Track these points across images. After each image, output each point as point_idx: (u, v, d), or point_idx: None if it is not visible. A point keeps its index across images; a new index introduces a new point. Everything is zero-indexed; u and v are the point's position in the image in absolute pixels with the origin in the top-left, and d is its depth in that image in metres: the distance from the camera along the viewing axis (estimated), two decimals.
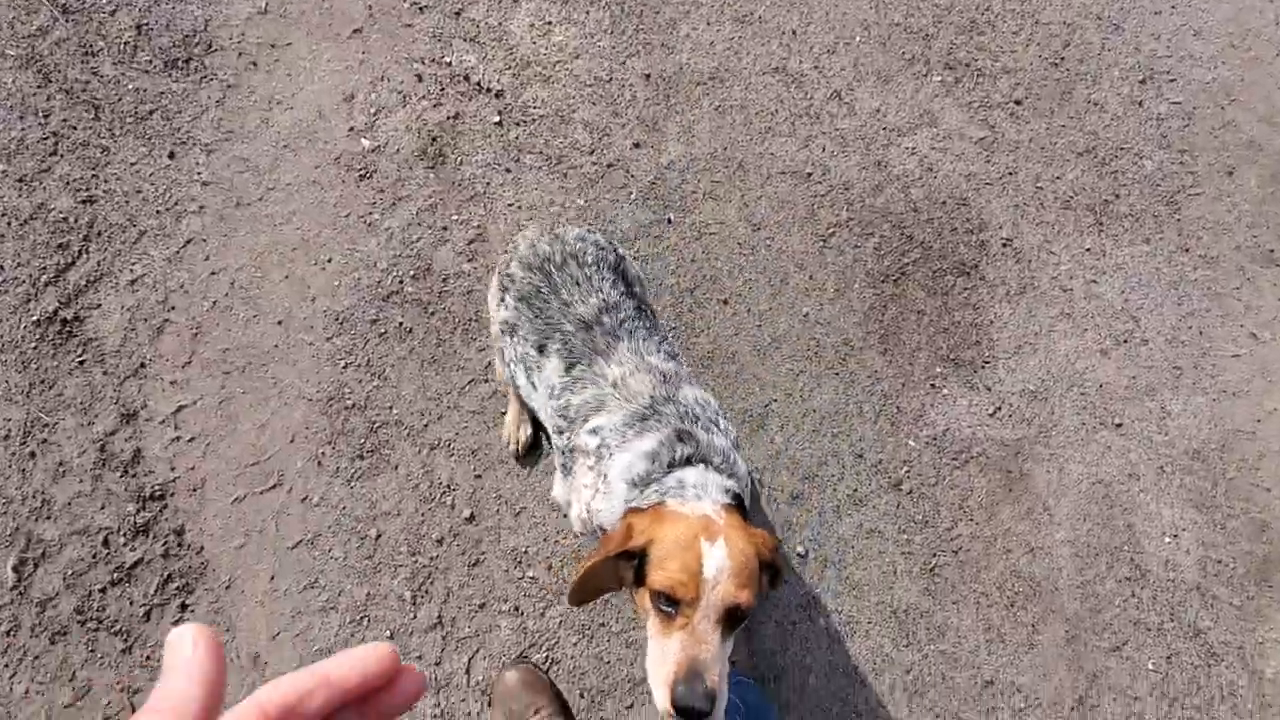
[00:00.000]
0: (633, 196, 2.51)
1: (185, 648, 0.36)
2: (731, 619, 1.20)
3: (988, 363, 2.41)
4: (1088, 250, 2.56)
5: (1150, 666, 2.11)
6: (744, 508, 1.39)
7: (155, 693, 0.35)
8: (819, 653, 2.08)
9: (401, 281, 2.38)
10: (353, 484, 2.17)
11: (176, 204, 2.38)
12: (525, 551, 2.14)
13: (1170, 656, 2.13)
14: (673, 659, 1.16)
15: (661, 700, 1.16)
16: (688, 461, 1.39)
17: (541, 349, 1.61)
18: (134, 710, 1.95)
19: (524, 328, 1.64)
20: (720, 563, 1.17)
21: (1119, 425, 2.35)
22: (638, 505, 1.34)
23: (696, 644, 1.16)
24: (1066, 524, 2.24)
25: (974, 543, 2.21)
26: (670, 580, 1.17)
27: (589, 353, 1.54)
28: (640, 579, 1.24)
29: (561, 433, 1.59)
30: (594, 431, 1.50)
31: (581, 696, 2.03)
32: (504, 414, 2.23)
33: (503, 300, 1.70)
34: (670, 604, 1.19)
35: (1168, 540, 2.24)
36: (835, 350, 2.39)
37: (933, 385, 2.37)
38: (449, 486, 2.18)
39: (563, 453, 1.61)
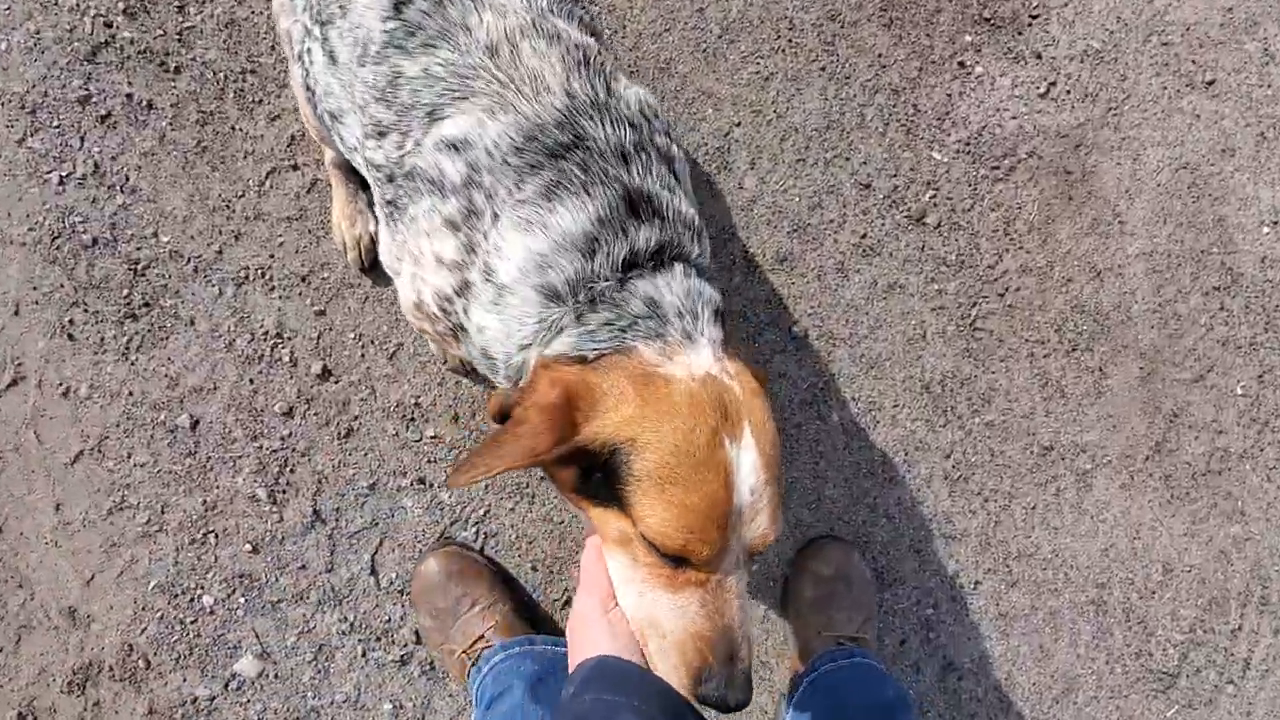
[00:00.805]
0: None
1: None
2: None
3: (1036, 16, 1.65)
4: None
5: (1239, 390, 1.67)
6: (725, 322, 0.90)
7: None
8: (834, 455, 1.58)
9: (110, 23, 1.44)
10: (131, 357, 1.44)
11: None
12: (415, 403, 1.50)
13: (1262, 375, 1.68)
14: (691, 634, 0.77)
15: (680, 687, 0.76)
16: (657, 257, 0.85)
17: None
18: None
19: None
20: (755, 481, 0.75)
21: (1210, 83, 1.68)
22: (574, 351, 0.83)
23: (723, 607, 0.77)
24: (1142, 232, 1.66)
25: (1024, 278, 1.63)
26: (690, 533, 0.73)
27: None
28: (606, 496, 0.78)
29: (384, 136, 0.90)
30: (454, 148, 0.85)
31: (534, 570, 1.53)
32: (331, 209, 1.46)
33: None
34: (678, 559, 0.77)
35: (1265, 231, 1.69)
36: (818, 32, 1.59)
37: (961, 64, 1.62)
38: (280, 335, 1.47)
39: (386, 182, 0.93)
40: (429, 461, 1.51)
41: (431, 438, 1.51)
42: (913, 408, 1.61)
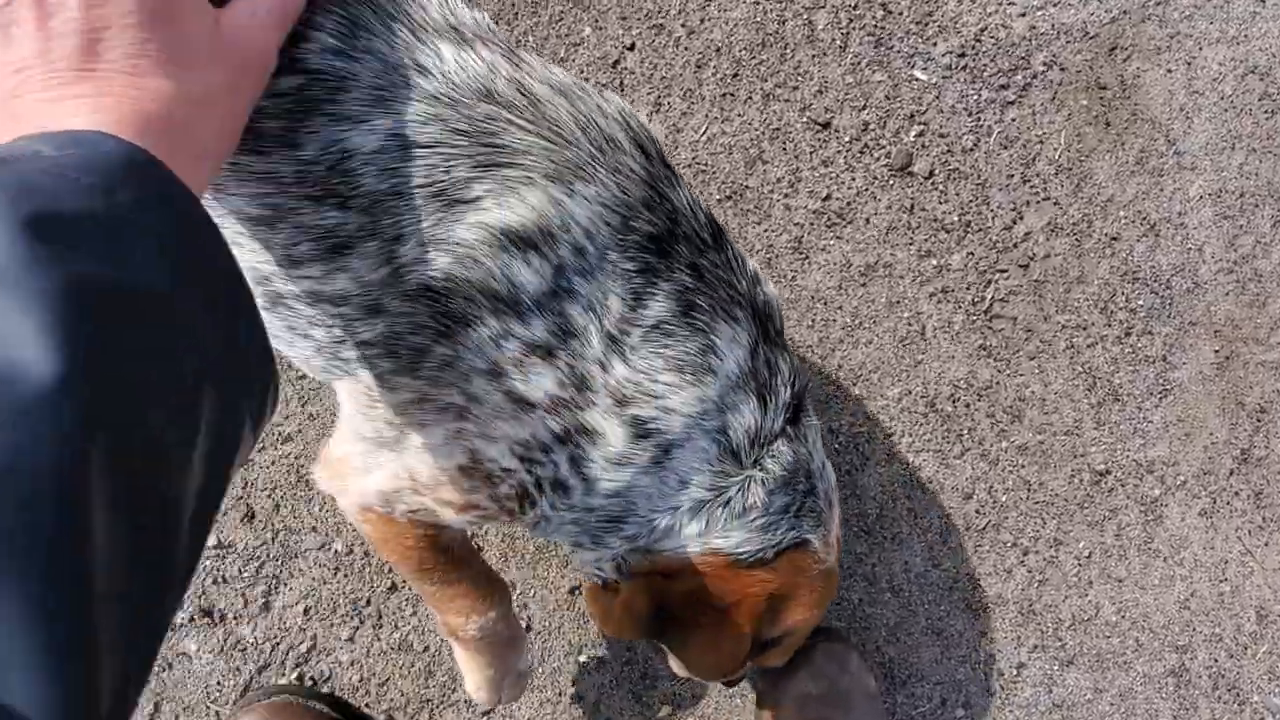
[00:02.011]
0: None
1: None
2: None
3: None
4: None
5: None
6: None
7: None
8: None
9: None
10: None
11: None
12: None
13: None
14: None
15: None
16: (794, 417, 0.71)
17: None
18: None
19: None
20: None
21: None
22: (754, 548, 0.70)
23: None
24: (1205, 164, 1.20)
25: (1054, 240, 1.17)
26: None
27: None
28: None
29: (345, 252, 0.58)
30: (523, 245, 0.58)
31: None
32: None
33: None
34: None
35: None
36: None
37: None
38: None
39: (359, 320, 0.61)
40: (216, 582, 1.01)
41: (215, 547, 1.01)
42: (915, 434, 1.14)
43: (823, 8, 1.09)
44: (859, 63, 1.10)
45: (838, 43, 1.10)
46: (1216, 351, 1.21)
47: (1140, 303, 1.18)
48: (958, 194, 1.14)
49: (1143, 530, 1.21)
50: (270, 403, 0.46)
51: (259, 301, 0.47)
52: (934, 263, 1.13)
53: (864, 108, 1.11)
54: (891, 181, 1.12)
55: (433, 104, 0.55)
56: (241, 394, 0.42)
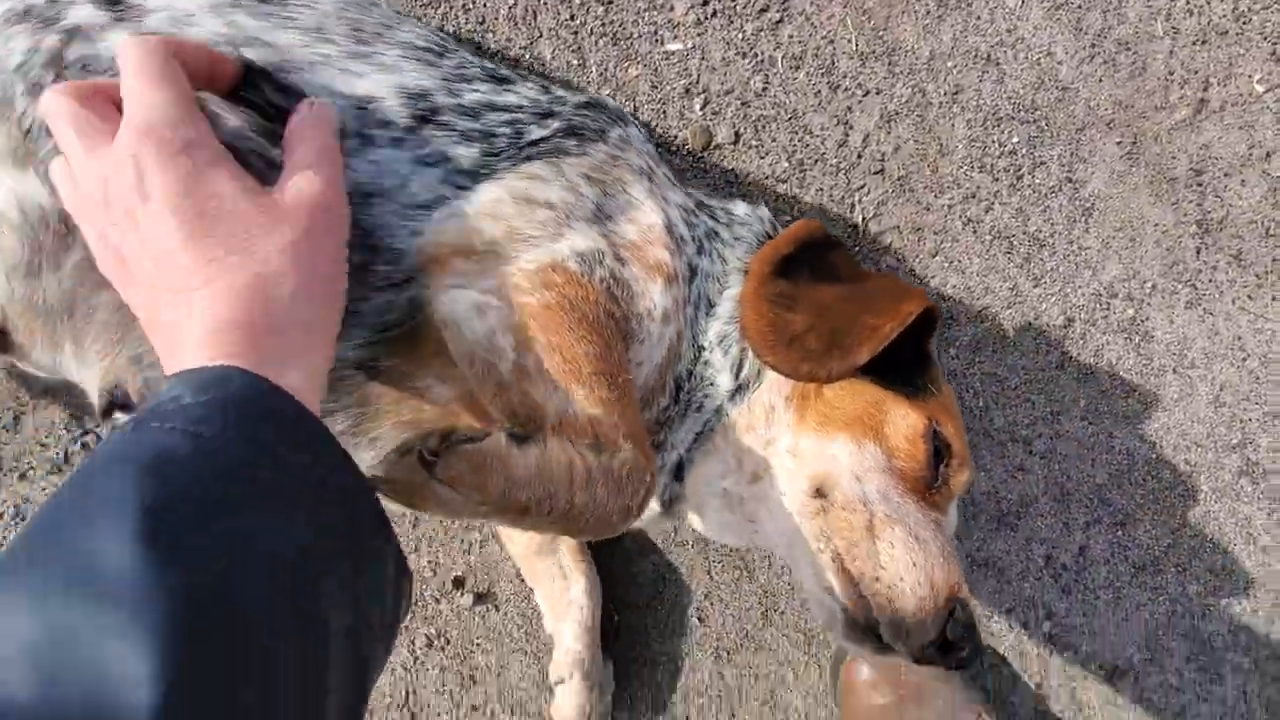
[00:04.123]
0: None
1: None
2: None
3: None
4: None
5: (1258, 87, 1.10)
6: None
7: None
8: None
9: None
10: None
11: None
12: None
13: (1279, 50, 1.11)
14: (938, 558, 0.67)
15: (922, 615, 0.65)
16: None
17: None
18: None
19: None
20: None
21: None
22: None
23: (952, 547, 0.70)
24: None
25: (896, 130, 1.06)
26: (966, 446, 0.75)
27: None
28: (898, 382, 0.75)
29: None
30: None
31: None
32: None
33: None
34: (938, 458, 0.73)
35: None
36: None
37: None
38: None
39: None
40: None
41: None
42: None
43: (541, 39, 1.00)
44: (606, 68, 1.01)
45: (575, 62, 1.00)
46: (1119, 143, 1.09)
47: (1016, 140, 1.07)
48: (774, 139, 1.04)
49: (1136, 355, 1.11)
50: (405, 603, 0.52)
51: (406, 121, 0.64)
52: (786, 218, 1.03)
53: (636, 110, 1.02)
54: (704, 165, 1.03)
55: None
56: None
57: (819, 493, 0.70)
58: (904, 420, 0.72)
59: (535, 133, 0.70)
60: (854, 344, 0.69)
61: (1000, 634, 1.10)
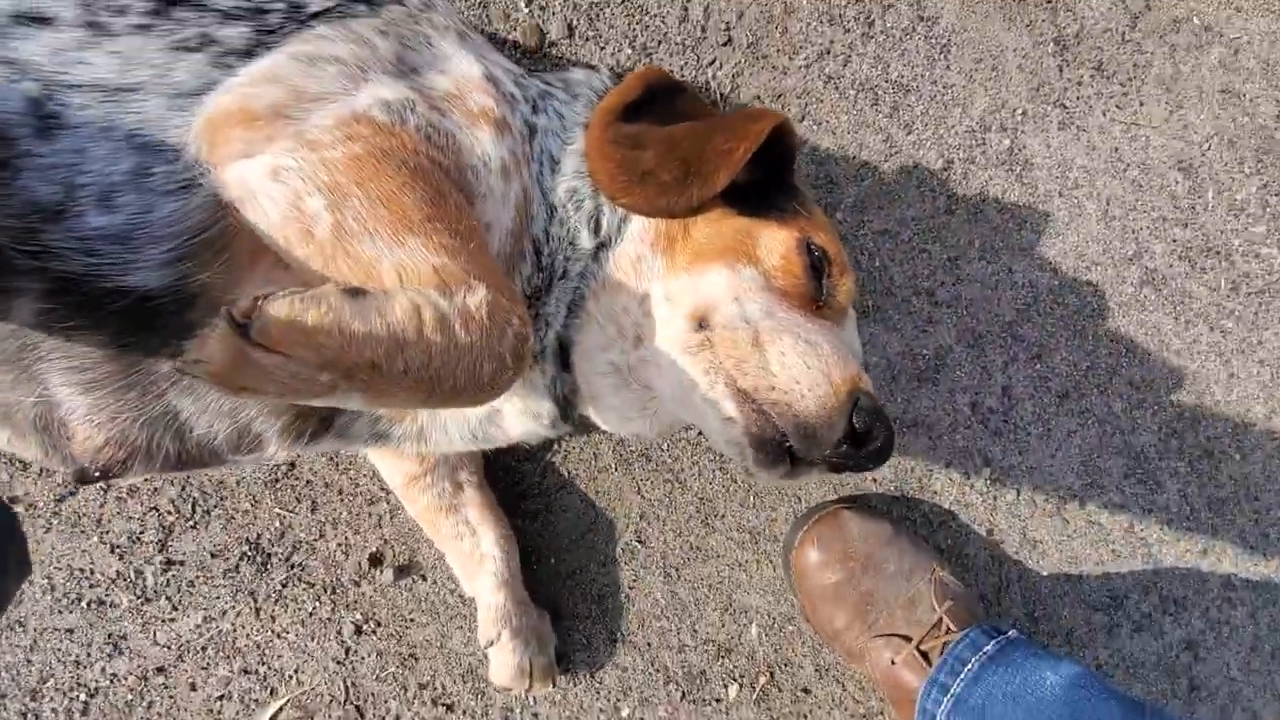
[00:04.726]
0: None
1: None
2: None
3: None
4: None
5: None
6: None
7: None
8: None
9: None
10: None
11: None
12: None
13: None
14: (832, 357, 0.64)
15: (829, 405, 0.62)
16: None
17: None
18: None
19: None
20: None
21: None
22: None
23: (850, 352, 0.69)
24: None
25: None
26: (845, 256, 0.73)
27: None
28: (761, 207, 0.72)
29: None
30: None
31: None
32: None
33: None
34: (817, 271, 0.71)
35: None
36: None
37: None
38: None
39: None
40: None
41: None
42: None
43: None
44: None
45: None
46: None
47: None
48: (612, 27, 0.97)
49: (1020, 186, 1.09)
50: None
51: (148, 3, 0.57)
52: None
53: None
54: (545, 68, 0.96)
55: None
56: None
57: (701, 325, 0.66)
58: (774, 238, 0.69)
59: (318, 4, 0.63)
60: (711, 170, 0.65)
61: (943, 489, 1.08)
